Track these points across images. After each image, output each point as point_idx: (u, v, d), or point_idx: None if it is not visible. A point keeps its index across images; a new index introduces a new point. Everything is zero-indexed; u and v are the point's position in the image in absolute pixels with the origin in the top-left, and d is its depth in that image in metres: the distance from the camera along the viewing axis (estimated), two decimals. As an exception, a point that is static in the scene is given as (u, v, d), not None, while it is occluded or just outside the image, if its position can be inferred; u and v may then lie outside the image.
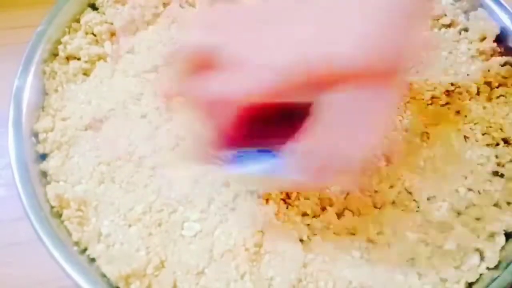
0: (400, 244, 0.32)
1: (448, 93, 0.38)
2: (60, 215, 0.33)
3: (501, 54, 0.40)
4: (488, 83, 0.39)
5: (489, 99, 0.38)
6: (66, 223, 0.33)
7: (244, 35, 0.26)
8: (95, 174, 0.35)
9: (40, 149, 0.36)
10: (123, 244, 0.32)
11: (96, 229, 0.33)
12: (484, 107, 0.38)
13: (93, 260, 0.32)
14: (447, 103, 0.38)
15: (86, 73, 0.40)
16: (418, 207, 0.34)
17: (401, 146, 0.36)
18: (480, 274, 0.32)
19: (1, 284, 0.38)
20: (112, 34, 0.42)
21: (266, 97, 0.24)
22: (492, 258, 0.32)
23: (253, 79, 0.24)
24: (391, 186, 0.34)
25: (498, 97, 0.38)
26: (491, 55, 0.40)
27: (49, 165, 0.35)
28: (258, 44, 0.25)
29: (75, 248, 0.32)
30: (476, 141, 0.36)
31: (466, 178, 0.35)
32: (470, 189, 0.34)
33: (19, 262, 0.39)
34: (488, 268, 0.32)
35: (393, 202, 0.34)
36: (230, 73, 0.25)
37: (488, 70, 0.39)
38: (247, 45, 0.25)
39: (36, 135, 0.36)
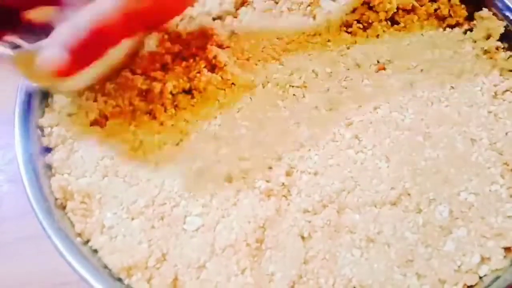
0: (399, 244, 0.32)
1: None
2: (64, 207, 0.33)
3: (505, 49, 0.40)
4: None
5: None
6: (69, 214, 0.33)
7: None
8: (99, 167, 0.35)
9: (45, 141, 0.36)
10: (126, 236, 0.32)
11: (99, 221, 0.33)
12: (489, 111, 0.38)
13: (95, 251, 0.32)
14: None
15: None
16: (419, 208, 0.34)
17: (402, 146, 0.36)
18: (480, 277, 0.32)
19: (6, 279, 0.39)
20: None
21: None
22: (493, 260, 0.32)
23: None
24: (392, 188, 0.34)
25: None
26: (495, 52, 0.40)
27: (54, 158, 0.35)
28: None
29: (78, 239, 0.32)
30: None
31: (471, 180, 0.35)
32: (472, 192, 0.34)
33: (24, 258, 0.39)
34: (490, 270, 0.32)
35: (394, 203, 0.34)
36: None
37: (493, 66, 0.40)
38: None
39: (41, 128, 0.36)
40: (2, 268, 0.39)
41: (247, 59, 0.40)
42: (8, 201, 0.42)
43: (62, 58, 0.29)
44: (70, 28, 0.29)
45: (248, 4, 0.43)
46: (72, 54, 0.29)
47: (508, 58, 0.40)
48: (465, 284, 0.31)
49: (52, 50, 0.29)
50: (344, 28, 0.42)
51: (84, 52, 0.30)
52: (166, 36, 0.40)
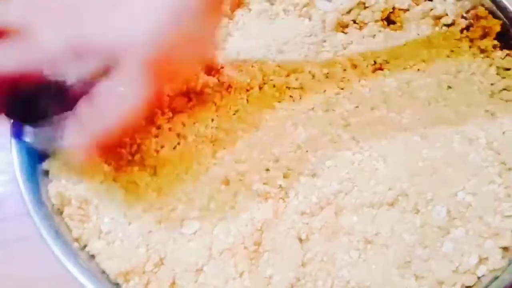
0: (397, 245, 0.32)
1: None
2: (61, 212, 0.34)
3: (502, 48, 0.40)
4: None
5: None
6: (66, 220, 0.33)
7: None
8: (97, 173, 0.35)
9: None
10: (123, 241, 0.32)
11: (97, 226, 0.33)
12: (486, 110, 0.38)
13: (93, 256, 0.32)
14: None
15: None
16: (417, 208, 0.34)
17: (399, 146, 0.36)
18: (478, 277, 0.32)
19: (7, 279, 0.39)
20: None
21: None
22: (491, 260, 0.32)
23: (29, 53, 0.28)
24: (390, 189, 0.34)
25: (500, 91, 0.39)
26: (492, 51, 0.40)
27: (51, 163, 0.35)
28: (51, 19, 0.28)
29: (76, 244, 0.32)
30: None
31: (468, 180, 0.34)
32: (470, 192, 0.34)
33: (26, 257, 0.39)
34: (488, 270, 0.32)
35: (391, 204, 0.34)
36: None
37: (490, 65, 0.40)
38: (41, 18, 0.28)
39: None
40: (3, 267, 0.39)
41: (243, 61, 0.40)
42: (9, 201, 0.42)
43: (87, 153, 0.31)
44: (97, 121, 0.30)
45: (244, 6, 0.43)
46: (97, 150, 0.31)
47: (505, 56, 0.40)
48: (463, 285, 0.31)
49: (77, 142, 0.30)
50: (340, 29, 0.42)
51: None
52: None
